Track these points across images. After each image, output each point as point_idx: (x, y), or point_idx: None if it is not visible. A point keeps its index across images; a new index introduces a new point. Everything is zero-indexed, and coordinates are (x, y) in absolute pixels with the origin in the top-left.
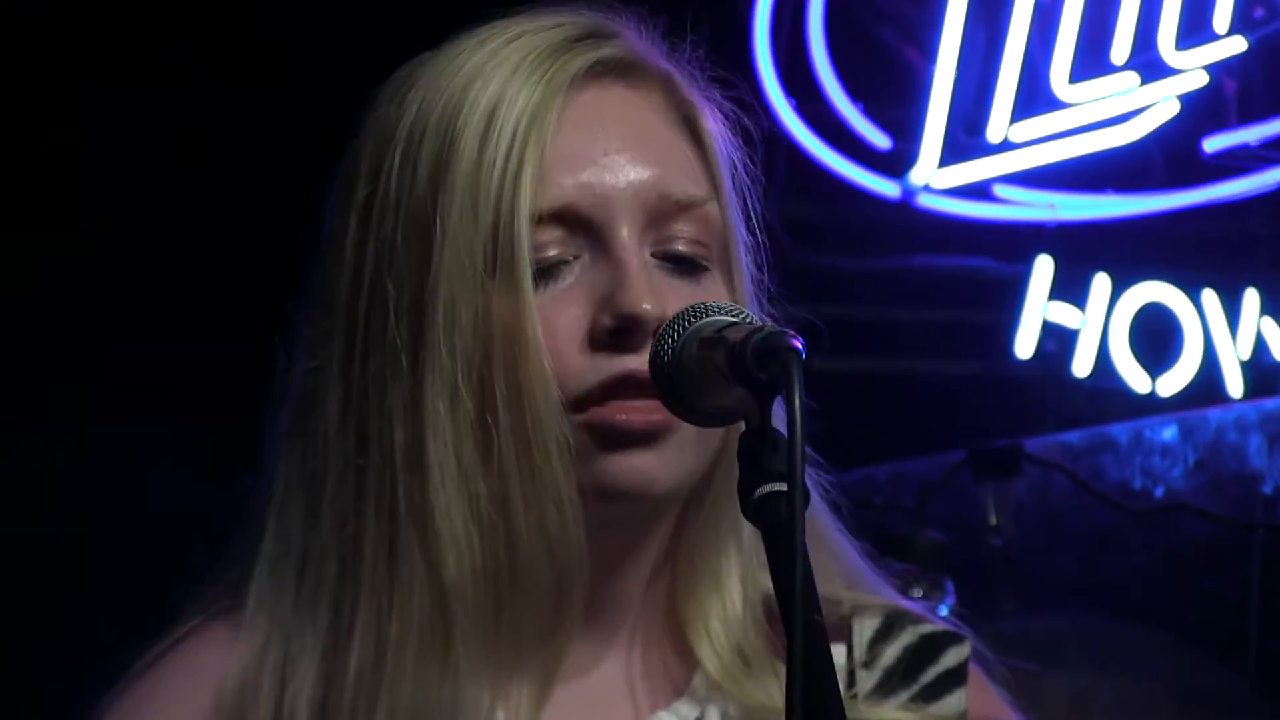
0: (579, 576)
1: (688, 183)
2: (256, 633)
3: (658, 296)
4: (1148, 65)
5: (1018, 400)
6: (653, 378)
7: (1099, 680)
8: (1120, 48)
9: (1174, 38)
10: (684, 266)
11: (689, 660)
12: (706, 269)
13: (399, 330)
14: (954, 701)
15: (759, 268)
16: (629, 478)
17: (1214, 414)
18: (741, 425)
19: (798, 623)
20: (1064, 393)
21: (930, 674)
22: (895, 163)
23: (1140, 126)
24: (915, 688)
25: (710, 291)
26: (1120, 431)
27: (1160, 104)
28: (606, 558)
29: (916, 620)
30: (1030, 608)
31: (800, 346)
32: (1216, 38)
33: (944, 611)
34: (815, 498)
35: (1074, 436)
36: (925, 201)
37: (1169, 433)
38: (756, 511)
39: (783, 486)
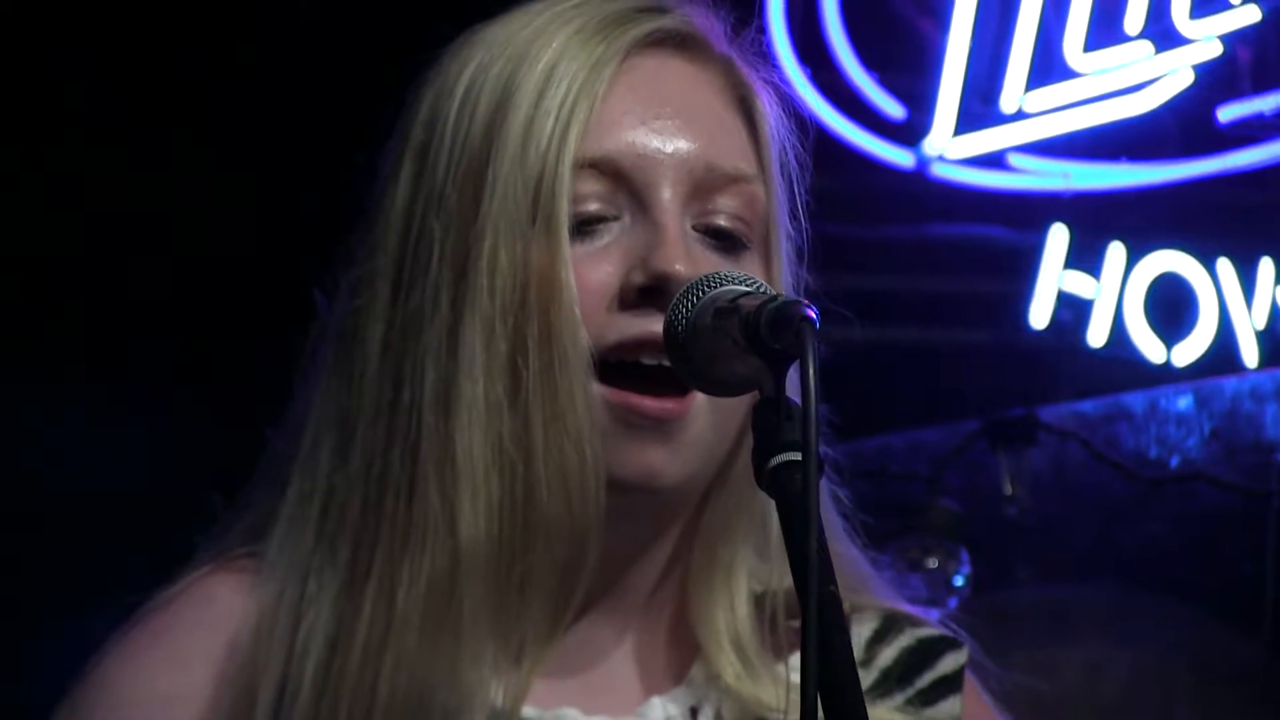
0: (594, 528)
1: (736, 158)
2: (274, 578)
3: (692, 261)
4: (1162, 34)
5: (1033, 370)
6: (666, 347)
7: (1114, 650)
8: (1134, 17)
9: (1188, 7)
10: (724, 242)
11: (691, 649)
12: (746, 247)
13: (442, 270)
14: (949, 707)
15: (799, 259)
16: (639, 469)
17: (1229, 383)
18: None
19: (812, 591)
20: (1079, 362)
21: (926, 678)
22: (909, 132)
23: (1155, 96)
24: (911, 691)
25: (746, 269)
26: (1135, 401)
27: (1174, 73)
28: (616, 549)
29: (915, 624)
30: (1045, 577)
31: (814, 315)
32: (1230, 7)
33: (959, 581)
34: (826, 497)
35: (1089, 406)
36: (940, 171)
37: (1184, 402)
38: (771, 481)
39: (797, 456)
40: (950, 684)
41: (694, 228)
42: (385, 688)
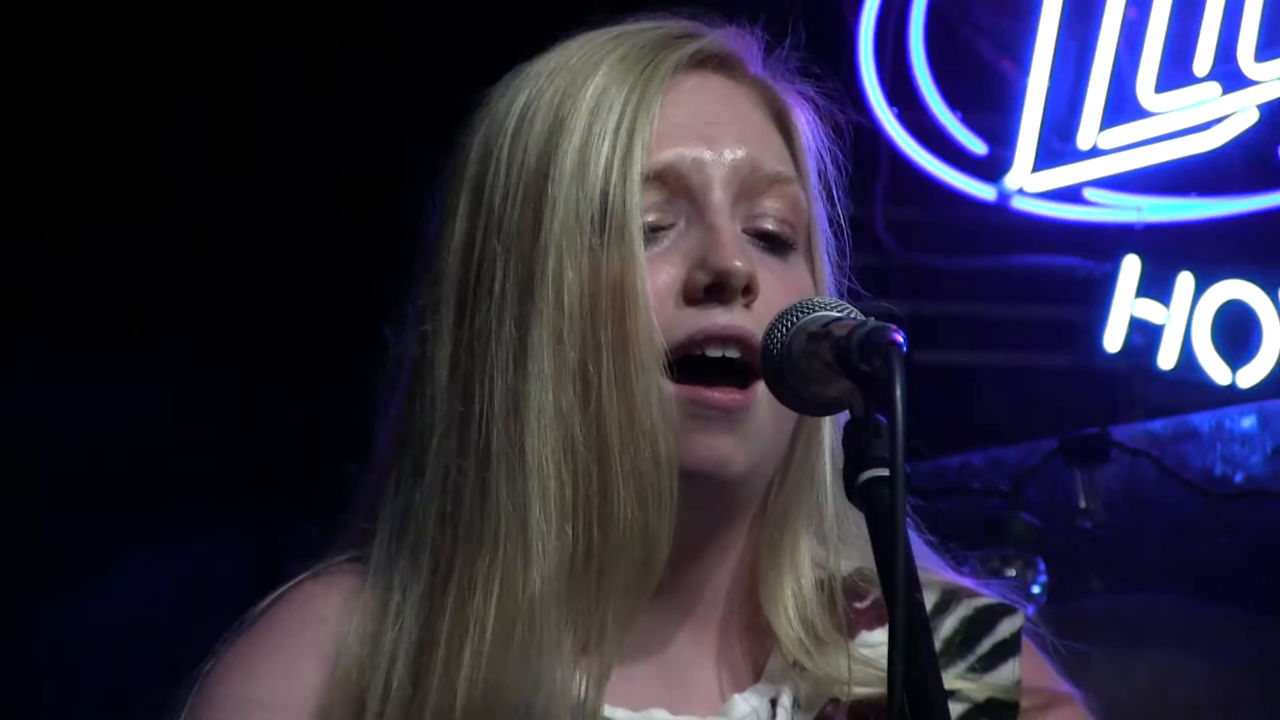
0: (667, 523)
1: (777, 163)
2: (378, 587)
3: (748, 258)
4: (1229, 76)
5: (1106, 391)
6: (763, 369)
7: (1183, 656)
8: (1203, 60)
9: (1253, 50)
10: (772, 244)
11: (766, 642)
12: (793, 249)
13: (506, 289)
14: (1009, 670)
15: (842, 255)
16: (710, 458)
17: None
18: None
19: (900, 600)
20: (1149, 384)
21: (986, 644)
22: (991, 168)
23: (1222, 134)
24: (972, 658)
25: (795, 270)
26: (1202, 420)
27: (1240, 113)
28: (686, 540)
29: (971, 594)
30: (1118, 588)
31: (902, 340)
32: None
33: (1037, 590)
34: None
35: (1159, 425)
36: (1020, 204)
37: (1248, 421)
38: (861, 495)
39: (885, 472)
40: (1008, 648)
41: (743, 231)
42: (464, 688)
